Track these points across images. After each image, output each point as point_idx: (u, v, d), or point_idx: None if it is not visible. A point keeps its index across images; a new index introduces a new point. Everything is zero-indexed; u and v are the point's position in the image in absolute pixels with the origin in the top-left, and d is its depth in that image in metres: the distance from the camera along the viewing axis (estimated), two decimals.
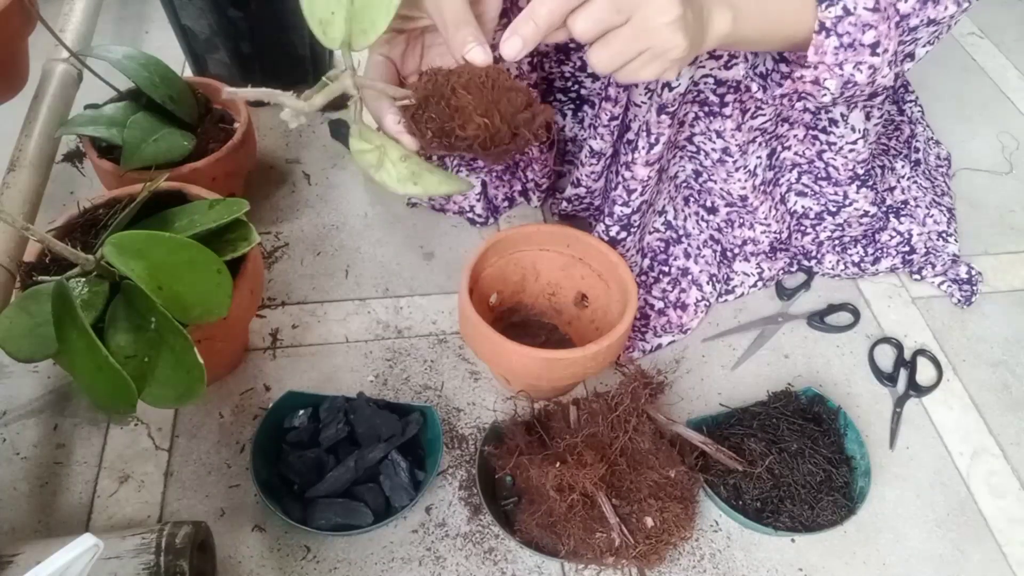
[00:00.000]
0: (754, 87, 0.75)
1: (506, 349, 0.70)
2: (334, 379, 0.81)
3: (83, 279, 0.64)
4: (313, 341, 0.85)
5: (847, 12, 0.61)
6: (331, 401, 0.75)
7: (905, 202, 0.95)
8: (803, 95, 0.69)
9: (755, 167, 0.82)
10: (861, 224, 0.90)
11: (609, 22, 0.52)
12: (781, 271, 0.93)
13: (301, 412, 0.75)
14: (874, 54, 0.63)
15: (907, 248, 0.93)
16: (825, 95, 0.66)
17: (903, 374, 0.86)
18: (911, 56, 0.69)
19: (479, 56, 0.54)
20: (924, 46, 0.69)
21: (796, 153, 0.85)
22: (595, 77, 0.87)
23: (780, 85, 0.71)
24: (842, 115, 0.80)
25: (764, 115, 0.77)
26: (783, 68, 0.71)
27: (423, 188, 0.57)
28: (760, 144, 0.80)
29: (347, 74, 0.57)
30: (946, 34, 0.69)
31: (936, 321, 0.91)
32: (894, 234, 0.93)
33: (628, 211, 0.81)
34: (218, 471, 0.74)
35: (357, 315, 0.88)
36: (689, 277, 0.88)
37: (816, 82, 0.65)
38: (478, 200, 0.95)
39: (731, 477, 0.73)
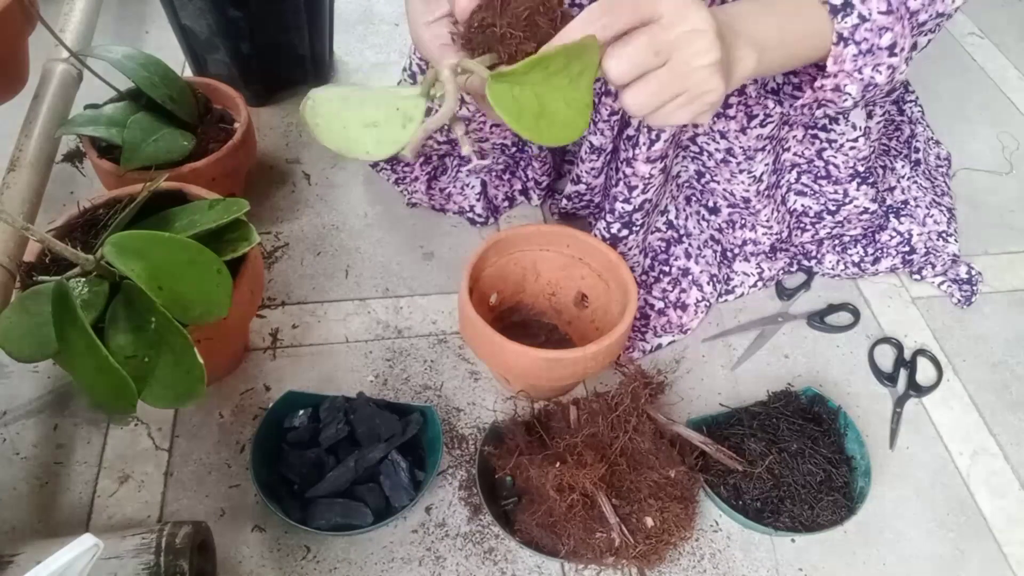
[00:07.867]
0: (770, 104, 0.74)
1: (506, 349, 0.70)
2: (334, 379, 0.81)
3: (83, 279, 0.64)
4: (313, 341, 0.85)
5: (863, 19, 0.60)
6: (331, 401, 0.75)
7: (905, 202, 0.95)
8: (823, 103, 0.67)
9: (761, 173, 0.82)
10: (861, 221, 0.90)
11: (646, 65, 0.51)
12: (781, 271, 0.93)
13: (301, 412, 0.75)
14: (892, 55, 0.62)
15: (907, 248, 0.93)
16: (847, 100, 0.65)
17: (903, 374, 0.86)
18: (914, 46, 0.68)
19: None
20: (926, 35, 0.68)
21: (795, 153, 0.85)
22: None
23: (795, 97, 0.69)
24: (842, 113, 0.80)
25: (772, 122, 0.77)
26: (794, 79, 0.70)
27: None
28: (767, 151, 0.80)
29: (449, 83, 0.50)
30: (946, 22, 0.69)
31: (936, 321, 0.91)
32: (894, 234, 0.93)
33: (629, 208, 0.81)
34: (218, 471, 0.74)
35: (357, 315, 0.88)
36: (690, 277, 0.88)
37: (837, 89, 0.64)
38: (478, 200, 0.95)
39: (731, 477, 0.73)
